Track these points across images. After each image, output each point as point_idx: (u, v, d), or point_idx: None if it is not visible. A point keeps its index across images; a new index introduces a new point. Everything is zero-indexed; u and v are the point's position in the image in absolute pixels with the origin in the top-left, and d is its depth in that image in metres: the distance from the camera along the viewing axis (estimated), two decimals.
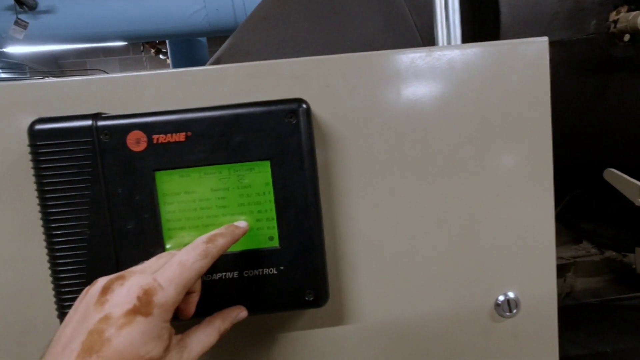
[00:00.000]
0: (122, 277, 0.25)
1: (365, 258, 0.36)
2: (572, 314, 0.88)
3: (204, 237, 0.28)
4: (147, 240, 0.31)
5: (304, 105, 0.31)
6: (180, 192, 0.31)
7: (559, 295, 1.06)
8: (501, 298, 0.37)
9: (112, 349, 0.22)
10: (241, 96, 0.34)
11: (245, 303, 0.32)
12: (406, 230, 0.36)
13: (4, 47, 2.08)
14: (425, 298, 0.37)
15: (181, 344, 0.26)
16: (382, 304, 0.37)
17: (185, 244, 0.32)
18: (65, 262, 0.30)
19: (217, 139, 0.30)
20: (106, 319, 0.23)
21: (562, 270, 1.06)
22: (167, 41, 2.60)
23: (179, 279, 0.25)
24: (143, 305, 0.24)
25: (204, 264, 0.27)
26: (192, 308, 0.28)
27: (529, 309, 0.38)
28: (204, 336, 0.28)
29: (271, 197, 0.31)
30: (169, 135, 0.30)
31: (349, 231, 0.36)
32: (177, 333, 0.27)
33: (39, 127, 0.30)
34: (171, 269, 0.26)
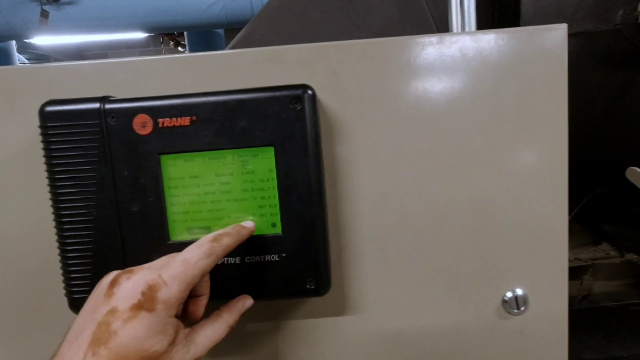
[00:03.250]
0: (130, 272, 0.26)
1: (370, 249, 0.36)
2: (588, 317, 0.85)
3: (210, 235, 0.28)
4: (152, 223, 0.31)
5: (309, 92, 0.31)
6: (185, 176, 0.31)
7: (576, 297, 1.03)
8: (509, 295, 0.36)
9: (118, 341, 0.23)
10: (248, 82, 0.34)
11: (247, 289, 0.32)
12: (412, 221, 0.36)
13: (30, 38, 2.14)
14: (430, 292, 0.36)
15: (188, 339, 0.27)
16: (385, 296, 0.36)
17: (188, 229, 0.32)
18: (73, 242, 0.31)
19: (221, 123, 0.30)
20: (113, 311, 0.24)
21: (579, 272, 1.02)
22: (185, 33, 2.63)
23: (182, 276, 0.26)
24: (147, 301, 0.24)
25: (209, 262, 0.27)
26: (200, 311, 0.29)
27: (538, 307, 0.36)
28: (212, 330, 0.28)
29: (274, 183, 0.31)
30: (174, 119, 0.30)
31: (353, 221, 0.35)
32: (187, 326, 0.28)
33: (49, 109, 0.30)
34: (175, 266, 0.26)
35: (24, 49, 3.55)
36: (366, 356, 0.37)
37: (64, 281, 0.32)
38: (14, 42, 2.63)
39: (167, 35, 3.40)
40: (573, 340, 0.74)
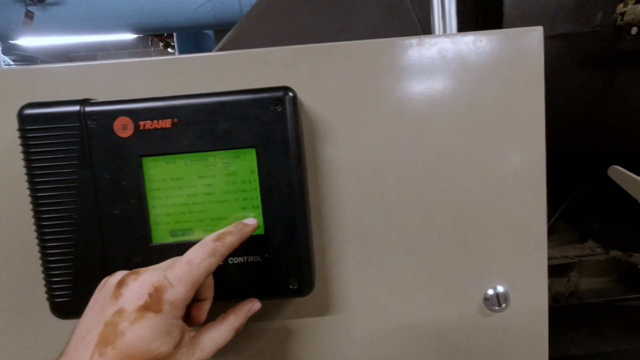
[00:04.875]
0: (137, 273, 0.26)
1: (353, 249, 0.36)
2: (574, 314, 0.87)
3: (213, 235, 0.28)
4: (134, 226, 0.31)
5: (290, 93, 0.31)
6: (167, 178, 0.31)
7: (563, 294, 1.05)
8: (490, 292, 0.37)
9: (124, 342, 0.24)
10: (231, 84, 0.34)
11: (230, 290, 0.32)
12: (395, 221, 0.36)
13: (16, 39, 2.11)
14: (413, 290, 0.37)
15: (194, 342, 0.27)
16: (368, 296, 0.37)
17: (171, 231, 0.32)
18: (54, 246, 0.31)
19: (202, 125, 0.30)
20: (120, 312, 0.24)
21: (566, 269, 1.04)
22: (174, 34, 2.61)
23: (187, 276, 0.26)
24: (154, 302, 0.25)
25: (213, 261, 0.27)
26: (203, 315, 0.29)
27: (519, 304, 0.37)
28: (217, 334, 0.28)
29: (257, 184, 0.31)
30: (155, 121, 0.30)
31: (336, 221, 0.36)
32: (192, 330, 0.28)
33: (27, 111, 0.30)
34: (180, 267, 0.26)
35: (9, 50, 3.49)
36: (350, 355, 0.37)
37: (45, 285, 0.32)
38: None
39: (157, 37, 3.37)
40: (559, 336, 0.75)
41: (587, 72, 0.66)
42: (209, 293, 0.30)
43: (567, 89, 0.70)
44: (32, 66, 0.34)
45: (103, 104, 0.30)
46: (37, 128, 0.30)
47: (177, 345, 0.25)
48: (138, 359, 0.24)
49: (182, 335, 0.26)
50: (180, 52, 2.55)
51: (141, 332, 0.24)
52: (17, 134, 0.31)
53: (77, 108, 0.30)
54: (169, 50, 3.43)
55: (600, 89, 0.68)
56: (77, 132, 0.30)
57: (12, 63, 3.61)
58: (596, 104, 0.69)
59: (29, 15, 1.72)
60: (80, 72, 0.34)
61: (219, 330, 0.28)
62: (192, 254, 0.27)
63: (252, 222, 0.31)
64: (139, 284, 0.25)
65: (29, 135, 0.30)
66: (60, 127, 0.30)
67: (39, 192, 0.31)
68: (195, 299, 0.29)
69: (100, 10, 1.83)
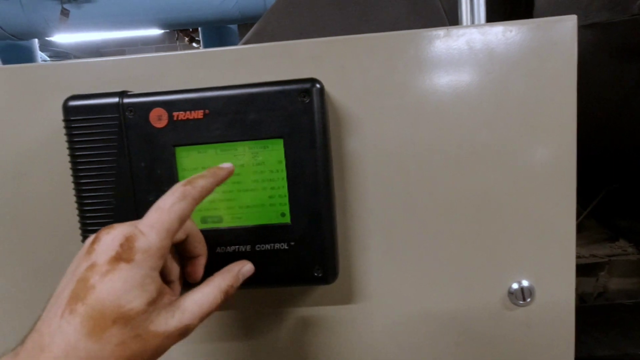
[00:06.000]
0: (111, 227, 0.25)
1: (377, 239, 0.37)
2: (602, 314, 0.84)
3: (183, 180, 0.27)
4: None
5: (317, 85, 0.31)
6: (198, 167, 0.33)
7: (591, 294, 1.02)
8: (515, 286, 0.36)
9: (95, 296, 0.22)
10: (259, 76, 0.35)
11: (256, 276, 0.33)
12: (419, 212, 0.36)
13: (50, 36, 2.21)
14: (436, 282, 0.37)
15: (174, 304, 0.25)
16: (391, 286, 0.37)
17: (202, 217, 0.33)
18: (94, 230, 0.33)
19: (232, 116, 0.32)
20: (92, 266, 0.23)
21: (595, 269, 1.01)
22: (199, 29, 2.66)
23: (159, 223, 0.25)
24: (125, 252, 0.23)
25: (184, 206, 0.25)
26: (199, 271, 0.29)
27: (544, 300, 0.37)
28: (201, 296, 0.26)
29: (284, 174, 0.32)
30: (188, 112, 0.32)
31: (361, 211, 0.36)
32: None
33: (71, 103, 0.32)
34: (150, 215, 0.25)
35: (44, 46, 3.65)
36: (372, 344, 0.38)
37: None
38: (36, 40, 2.71)
39: (182, 32, 3.44)
40: (585, 336, 0.73)
41: (622, 63, 0.64)
42: (201, 249, 0.29)
43: (600, 81, 0.67)
44: (72, 61, 0.36)
45: (140, 96, 0.32)
46: (80, 119, 0.32)
47: (152, 303, 0.23)
48: (109, 315, 0.22)
49: (158, 293, 0.24)
50: (205, 47, 2.60)
51: (112, 284, 0.22)
52: (61, 124, 0.33)
53: (116, 100, 0.32)
54: (194, 45, 3.50)
55: (635, 81, 0.65)
56: (116, 122, 0.32)
57: (48, 59, 3.78)
58: (630, 96, 0.66)
59: (65, 13, 1.79)
60: (117, 65, 0.36)
61: (203, 292, 0.26)
62: (161, 200, 0.26)
63: (227, 165, 0.29)
64: (111, 237, 0.24)
65: (72, 125, 0.32)
66: (101, 117, 0.32)
67: (81, 179, 0.33)
68: (188, 256, 0.29)
69: (129, 7, 1.89)
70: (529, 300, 0.36)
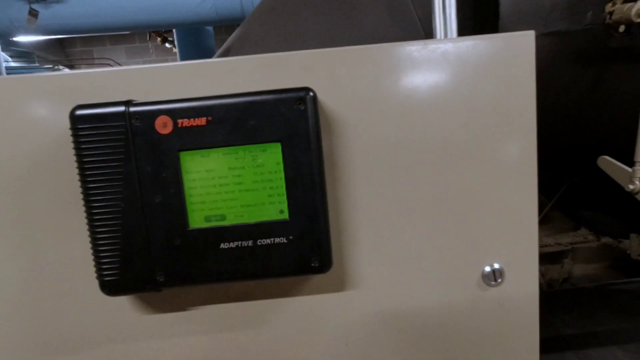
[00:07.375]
0: None
1: (365, 231, 0.40)
2: (566, 298, 0.91)
3: None
4: (173, 213, 0.35)
5: (311, 93, 0.35)
6: (201, 170, 0.35)
7: (557, 280, 1.10)
8: (487, 269, 0.41)
9: None
10: (254, 85, 0.38)
11: (259, 268, 0.36)
12: (403, 206, 0.40)
13: (16, 37, 2.12)
14: (419, 268, 0.41)
15: None
16: (379, 273, 0.41)
17: (205, 217, 0.36)
18: (103, 231, 0.35)
19: (234, 123, 0.34)
20: None
21: (560, 256, 1.09)
22: (174, 30, 2.62)
23: None
24: None
25: None
26: None
27: (513, 280, 0.42)
28: None
29: (282, 175, 0.35)
30: (192, 119, 0.34)
31: (351, 207, 0.40)
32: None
33: (79, 112, 0.34)
34: None
35: (5, 46, 3.47)
36: (364, 327, 0.42)
37: (95, 266, 0.36)
38: None
39: (154, 31, 3.36)
40: (552, 318, 0.80)
41: (579, 67, 0.70)
42: None
43: (560, 83, 0.74)
44: (78, 71, 0.38)
45: (145, 105, 0.34)
46: (87, 127, 0.34)
47: None
48: None
49: None
50: (180, 48, 2.57)
51: None
52: (67, 132, 0.34)
53: (122, 108, 0.34)
54: (167, 45, 3.44)
55: (590, 83, 0.72)
56: (122, 130, 0.34)
57: (10, 59, 3.60)
58: (587, 97, 0.73)
59: (33, 13, 1.73)
60: (120, 76, 0.38)
61: None
62: None
63: None
64: None
65: (80, 133, 0.34)
66: (108, 125, 0.34)
67: (89, 184, 0.34)
68: None
69: (102, 8, 1.85)
70: (499, 280, 0.41)
